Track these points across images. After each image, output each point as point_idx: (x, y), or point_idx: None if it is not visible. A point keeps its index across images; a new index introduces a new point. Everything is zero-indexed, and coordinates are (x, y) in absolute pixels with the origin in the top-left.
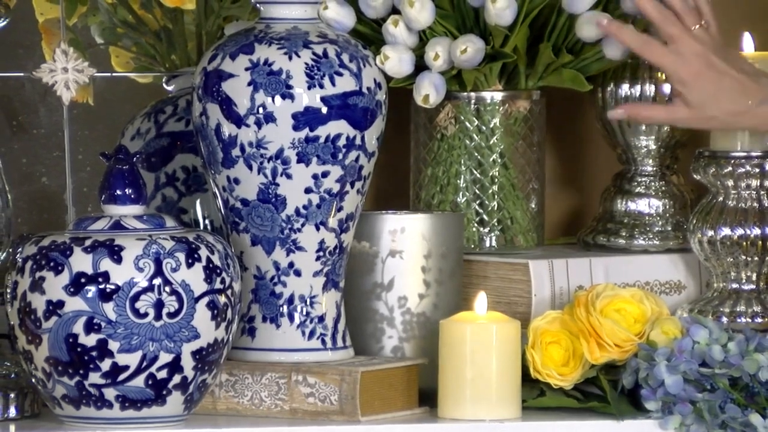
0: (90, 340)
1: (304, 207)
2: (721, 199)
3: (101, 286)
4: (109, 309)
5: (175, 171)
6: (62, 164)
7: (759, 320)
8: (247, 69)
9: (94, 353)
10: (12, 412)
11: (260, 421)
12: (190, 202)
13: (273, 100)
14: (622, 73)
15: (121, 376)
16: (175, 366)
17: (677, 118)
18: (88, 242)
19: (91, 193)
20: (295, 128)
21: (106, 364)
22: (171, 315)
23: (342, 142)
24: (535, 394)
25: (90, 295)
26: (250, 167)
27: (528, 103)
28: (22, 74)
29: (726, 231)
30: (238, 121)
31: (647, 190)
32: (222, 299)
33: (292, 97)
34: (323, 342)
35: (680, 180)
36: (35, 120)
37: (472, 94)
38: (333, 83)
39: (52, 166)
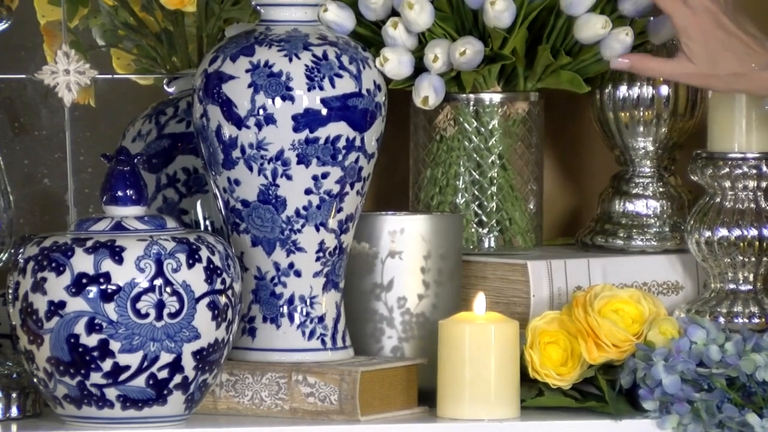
0: (91, 340)
1: (304, 208)
2: (718, 200)
3: (102, 287)
4: (110, 309)
5: (176, 172)
6: (64, 165)
7: (756, 320)
8: (247, 71)
9: (95, 353)
10: (14, 411)
11: (261, 420)
12: (190, 203)
13: (273, 102)
14: (619, 75)
15: (123, 376)
16: (176, 366)
17: (681, 73)
18: (89, 243)
19: (93, 194)
20: (295, 130)
21: (107, 364)
22: (172, 315)
23: (342, 143)
24: (533, 393)
25: (91, 295)
26: (251, 168)
27: (526, 104)
28: (23, 76)
29: (723, 232)
30: (239, 123)
31: (645, 191)
32: (222, 300)
33: (292, 98)
34: (323, 342)
35: (678, 181)
36: (37, 121)
37: (471, 95)
38: (333, 85)
39: (54, 167)
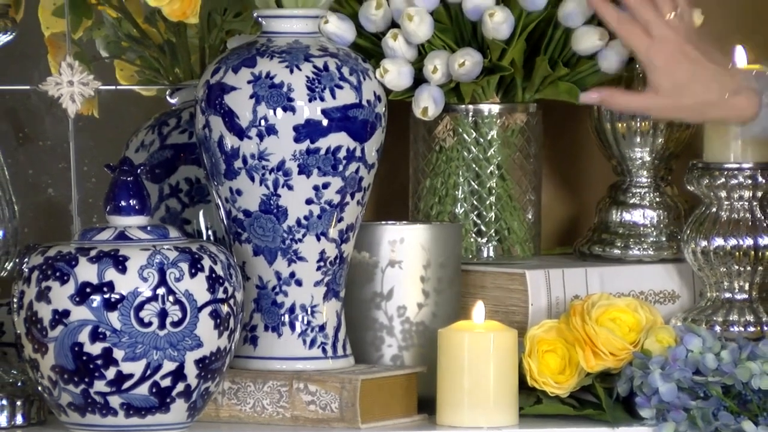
0: (95, 348)
1: (305, 218)
2: (714, 209)
3: (106, 296)
4: (113, 318)
5: (179, 182)
6: (68, 175)
7: (751, 329)
8: (249, 82)
9: (99, 361)
10: (19, 419)
11: (262, 428)
12: (193, 213)
13: (275, 113)
14: (617, 86)
15: (126, 384)
16: (178, 374)
17: (650, 106)
18: (93, 252)
19: (97, 204)
20: (297, 140)
21: (110, 372)
22: (174, 324)
23: (342, 153)
24: (531, 401)
25: (95, 304)
26: (252, 179)
27: (525, 115)
28: (28, 87)
29: (719, 241)
30: (241, 134)
31: (642, 201)
32: (224, 308)
33: (293, 109)
34: (324, 350)
35: (674, 191)
36: (41, 131)
37: (470, 106)
38: (333, 96)
39: (58, 177)
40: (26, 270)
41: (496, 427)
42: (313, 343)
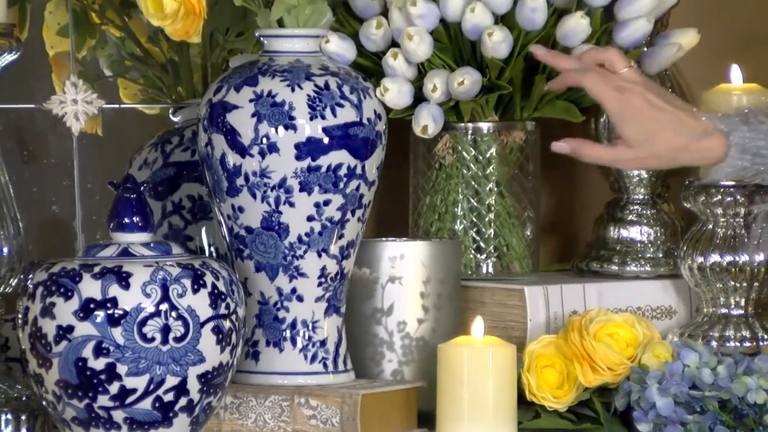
0: (99, 363)
1: (307, 234)
2: (710, 226)
3: (110, 312)
4: (117, 333)
5: (182, 199)
6: (72, 192)
7: (747, 344)
8: (251, 100)
9: (102, 376)
10: None
11: None
12: (195, 230)
13: (276, 131)
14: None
15: (129, 399)
16: (181, 389)
17: (621, 159)
18: (96, 269)
19: (100, 221)
20: (298, 158)
21: (114, 387)
22: (177, 339)
23: (343, 171)
24: (530, 416)
25: (99, 320)
26: (254, 196)
27: (523, 133)
28: (33, 105)
29: (715, 258)
30: (243, 151)
31: (639, 218)
32: (227, 324)
33: (294, 127)
34: (325, 366)
35: (671, 208)
36: (46, 149)
37: (469, 124)
38: (334, 114)
39: (62, 194)
40: (31, 286)
41: None
42: (314, 358)
